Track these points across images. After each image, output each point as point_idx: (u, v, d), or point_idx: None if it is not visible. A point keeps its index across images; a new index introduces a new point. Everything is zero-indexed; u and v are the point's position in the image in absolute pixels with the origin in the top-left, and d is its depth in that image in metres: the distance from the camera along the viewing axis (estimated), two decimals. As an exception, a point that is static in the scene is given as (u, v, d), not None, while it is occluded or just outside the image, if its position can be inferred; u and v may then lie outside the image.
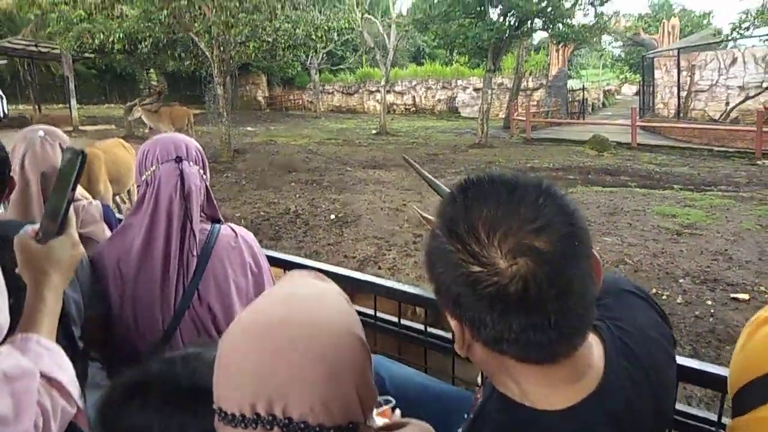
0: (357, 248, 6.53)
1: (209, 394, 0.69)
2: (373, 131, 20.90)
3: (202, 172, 1.51)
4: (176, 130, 13.44)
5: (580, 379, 0.76)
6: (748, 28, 12.87)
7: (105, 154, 6.20)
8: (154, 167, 1.45)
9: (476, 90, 27.91)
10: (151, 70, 19.07)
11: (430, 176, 1.91)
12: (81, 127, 18.67)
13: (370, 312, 1.76)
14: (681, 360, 1.15)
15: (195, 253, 1.43)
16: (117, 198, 6.80)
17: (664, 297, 4.85)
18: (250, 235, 1.61)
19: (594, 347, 0.79)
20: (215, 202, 1.60)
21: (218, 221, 1.57)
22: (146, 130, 16.67)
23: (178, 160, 1.46)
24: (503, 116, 24.01)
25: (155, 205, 1.42)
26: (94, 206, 1.99)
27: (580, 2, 16.50)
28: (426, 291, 1.64)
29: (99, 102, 27.89)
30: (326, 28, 13.78)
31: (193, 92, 30.99)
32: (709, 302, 4.69)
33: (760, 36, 13.97)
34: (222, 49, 12.51)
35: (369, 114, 30.95)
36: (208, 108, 14.13)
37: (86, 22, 13.88)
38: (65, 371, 0.82)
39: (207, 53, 12.66)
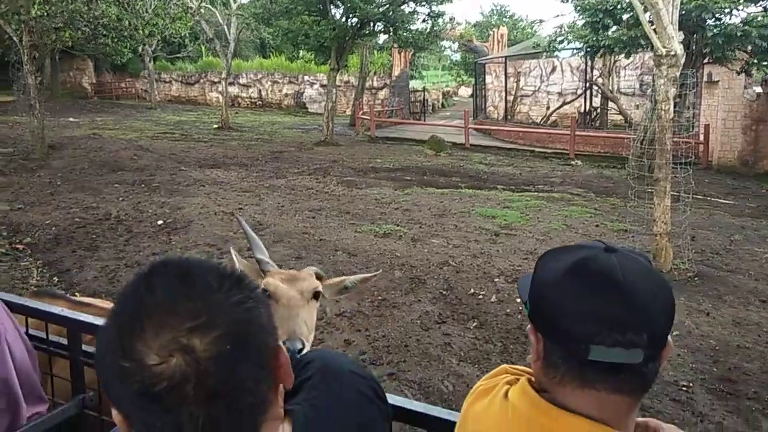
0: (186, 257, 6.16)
1: None
2: (215, 125, 20.03)
3: None
4: None
5: None
6: (561, 42, 14.39)
7: None
8: None
9: (323, 86, 27.89)
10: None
11: (252, 233, 1.86)
12: None
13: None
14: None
15: None
16: None
17: (480, 296, 5.19)
18: None
19: None
20: None
21: None
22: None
23: None
24: (350, 113, 24.36)
25: None
26: None
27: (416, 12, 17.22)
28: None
29: None
30: (154, 23, 12.80)
31: (4, 77, 27.29)
32: (519, 300, 5.11)
33: (571, 49, 15.73)
34: (33, 34, 11.12)
35: (211, 106, 29.61)
36: (18, 97, 12.44)
37: None
38: None
39: (14, 38, 11.19)
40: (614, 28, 12.01)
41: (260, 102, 30.54)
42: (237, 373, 0.64)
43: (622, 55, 13.33)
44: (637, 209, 8.45)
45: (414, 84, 30.98)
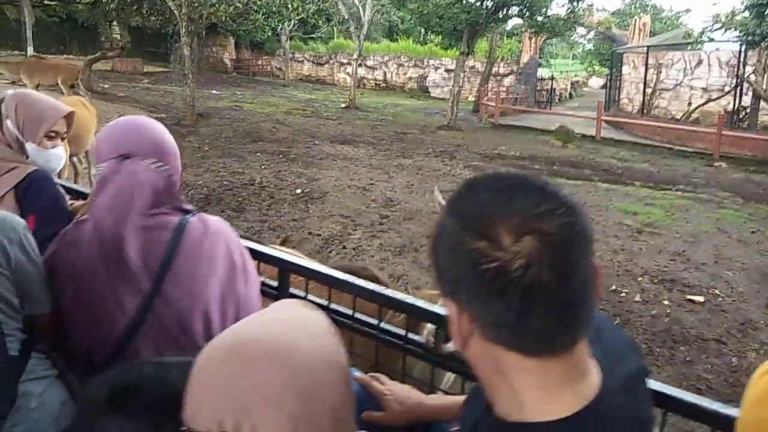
0: (322, 226, 6.44)
1: None
2: (342, 105, 20.61)
3: (159, 164, 1.36)
4: (61, 85, 12.54)
5: (580, 380, 0.71)
6: (718, 30, 13.12)
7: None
8: (104, 163, 1.33)
9: (448, 71, 27.82)
10: (115, 23, 18.07)
11: None
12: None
13: (348, 312, 1.69)
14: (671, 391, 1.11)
15: (158, 249, 1.30)
16: (74, 159, 6.48)
17: (623, 294, 4.95)
18: (225, 227, 1.44)
19: (588, 356, 0.74)
20: (181, 193, 1.44)
21: (187, 212, 1.40)
22: (106, 85, 15.98)
23: (124, 158, 1.33)
24: (473, 99, 24.04)
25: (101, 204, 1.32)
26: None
27: (556, -6, 16.51)
28: (408, 297, 1.58)
29: (57, 52, 26.41)
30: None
31: (157, 49, 29.82)
32: (666, 302, 4.81)
33: (727, 41, 14.32)
34: (191, 8, 12.02)
35: (338, 86, 30.50)
36: (174, 67, 13.57)
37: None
38: None
39: (175, 11, 12.14)
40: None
41: (384, 84, 30.99)
42: (581, 260, 0.67)
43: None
44: (797, 219, 7.63)
45: (541, 72, 29.90)
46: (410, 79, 30.33)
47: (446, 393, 1.70)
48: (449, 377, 1.86)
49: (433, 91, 29.16)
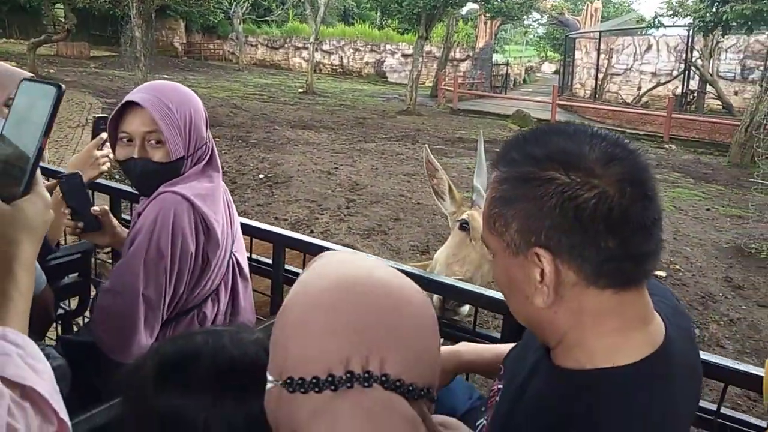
0: (288, 210, 6.33)
1: (261, 371, 0.62)
2: (299, 90, 20.31)
3: None
4: None
5: (650, 322, 0.72)
6: (671, 17, 13.50)
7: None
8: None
9: (405, 56, 27.74)
10: (59, 5, 17.14)
11: (483, 156, 1.88)
12: (-27, 61, 16.73)
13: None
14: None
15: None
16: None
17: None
18: None
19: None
20: None
21: None
22: (51, 70, 15.21)
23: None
24: (430, 84, 24.08)
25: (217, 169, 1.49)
26: None
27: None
28: (421, 271, 1.54)
29: (-4, 35, 25.12)
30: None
31: (103, 33, 28.65)
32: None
33: (680, 26, 14.74)
34: (142, -13, 11.58)
35: (294, 71, 30.01)
36: (124, 51, 13.02)
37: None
38: (42, 375, 0.63)
39: (124, -9, 11.67)
40: (734, 2, 11.15)
41: (341, 69, 30.68)
42: (654, 177, 0.71)
43: (726, 37, 12.36)
44: (744, 197, 7.98)
45: (496, 58, 30.21)
46: (367, 64, 30.12)
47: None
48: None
49: (390, 76, 29.05)
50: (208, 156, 1.45)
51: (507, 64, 29.23)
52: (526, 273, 0.70)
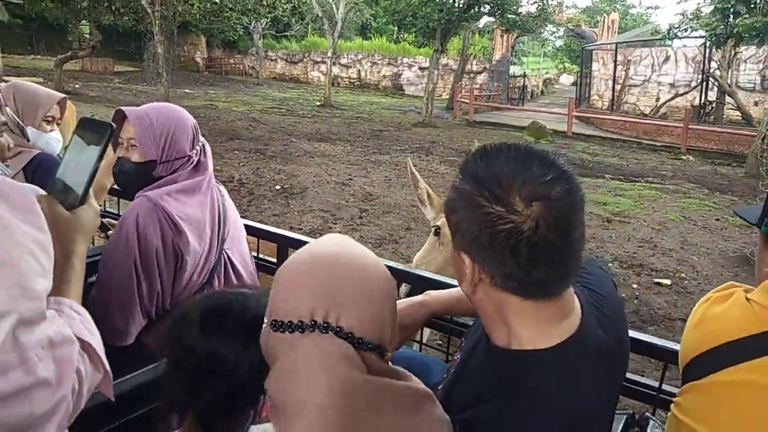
0: (303, 220, 6.54)
1: None
2: (317, 103, 20.65)
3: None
4: None
5: (565, 318, 0.86)
6: (685, 30, 13.54)
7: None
8: (202, 140, 1.67)
9: (421, 69, 28.03)
10: (85, 22, 17.87)
11: None
12: (5, 78, 17.42)
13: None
14: (632, 333, 1.28)
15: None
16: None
17: (594, 279, 5.16)
18: None
19: (574, 297, 0.91)
20: None
21: None
22: (77, 85, 15.74)
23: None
24: (446, 97, 24.27)
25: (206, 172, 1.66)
26: None
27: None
28: (409, 267, 1.72)
29: (24, 53, 25.96)
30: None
31: (127, 48, 29.44)
32: (635, 285, 5.03)
33: (694, 37, 14.75)
34: (164, 5, 11.97)
35: (312, 85, 30.49)
36: (146, 66, 13.45)
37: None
38: (94, 336, 0.84)
39: (148, 9, 12.08)
40: (746, 15, 11.19)
41: (359, 82, 31.08)
42: (578, 219, 0.80)
43: (745, 47, 12.38)
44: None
45: (514, 70, 30.33)
46: (384, 77, 30.48)
47: (425, 345, 1.86)
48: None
49: (407, 89, 29.36)
50: (190, 167, 1.61)
51: (524, 75, 29.33)
52: (458, 265, 0.87)
